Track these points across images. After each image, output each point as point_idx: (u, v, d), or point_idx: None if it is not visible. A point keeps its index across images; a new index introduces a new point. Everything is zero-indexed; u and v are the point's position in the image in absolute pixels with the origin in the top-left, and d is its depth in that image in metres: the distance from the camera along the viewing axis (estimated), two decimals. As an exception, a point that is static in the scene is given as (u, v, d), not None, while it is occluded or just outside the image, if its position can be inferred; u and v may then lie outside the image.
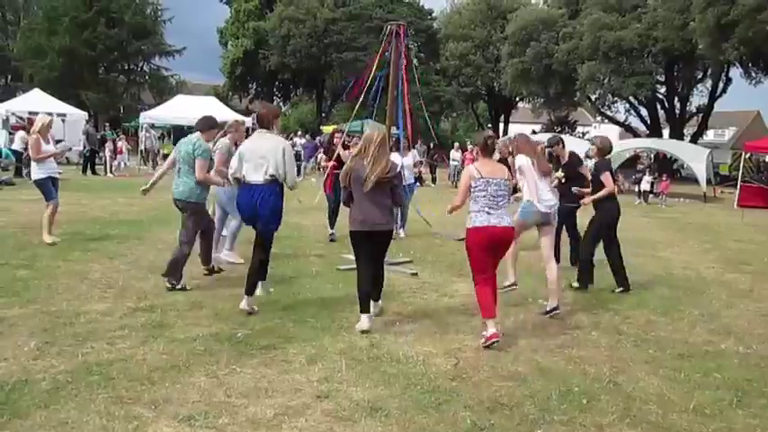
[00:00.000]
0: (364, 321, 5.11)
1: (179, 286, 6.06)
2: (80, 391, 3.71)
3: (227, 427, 3.40)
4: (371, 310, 5.25)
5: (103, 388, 3.77)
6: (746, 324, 5.99)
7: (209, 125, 6.39)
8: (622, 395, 4.09)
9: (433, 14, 44.82)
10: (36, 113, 23.04)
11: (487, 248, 5.03)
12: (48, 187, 8.14)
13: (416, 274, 7.36)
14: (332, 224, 9.48)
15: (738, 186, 20.91)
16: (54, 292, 5.83)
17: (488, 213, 5.00)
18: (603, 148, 7.06)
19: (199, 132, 6.28)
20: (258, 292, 5.65)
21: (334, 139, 10.01)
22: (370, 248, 5.29)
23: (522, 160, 6.12)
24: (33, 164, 8.17)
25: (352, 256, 7.95)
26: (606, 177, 6.81)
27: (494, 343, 4.80)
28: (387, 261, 7.75)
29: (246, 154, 5.41)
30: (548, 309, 5.89)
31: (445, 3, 58.86)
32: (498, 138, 7.56)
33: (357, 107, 9.06)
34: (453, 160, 23.61)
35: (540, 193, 6.06)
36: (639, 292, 7.02)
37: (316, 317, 5.41)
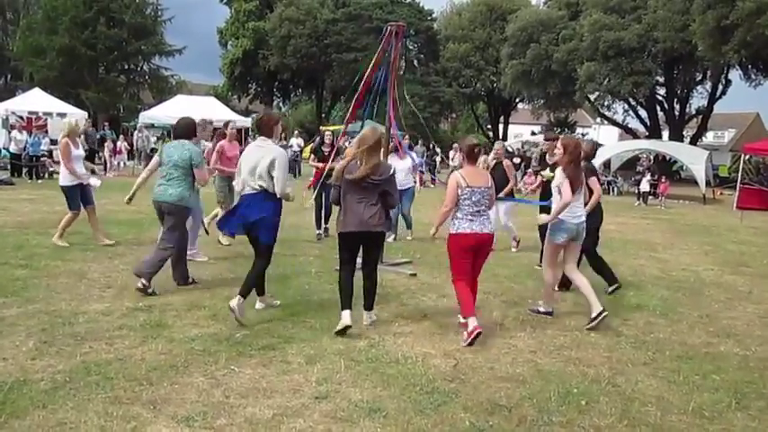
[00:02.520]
0: (345, 317, 5.01)
1: (150, 290, 5.86)
2: (78, 391, 3.70)
3: (225, 427, 3.40)
4: (366, 319, 5.30)
5: (102, 388, 3.76)
6: (745, 326, 5.99)
7: (193, 130, 6.49)
8: (621, 397, 4.09)
9: (433, 15, 44.83)
10: (36, 113, 23.16)
11: (468, 253, 5.25)
12: (74, 195, 7.95)
13: (415, 274, 7.36)
14: (318, 225, 9.76)
15: (738, 188, 20.93)
16: (53, 291, 5.83)
17: (471, 220, 5.21)
18: (586, 152, 6.75)
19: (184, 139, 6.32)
20: (258, 305, 5.58)
21: (325, 140, 10.05)
22: (362, 251, 5.26)
23: (561, 176, 5.65)
24: (62, 169, 8.02)
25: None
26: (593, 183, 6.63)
27: (477, 336, 4.90)
28: (385, 261, 7.80)
29: (243, 163, 5.39)
30: (593, 315, 5.57)
31: (445, 4, 58.87)
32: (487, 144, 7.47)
33: (361, 107, 9.02)
34: (452, 161, 23.62)
35: (572, 207, 5.67)
36: (638, 293, 7.02)
37: (314, 317, 5.41)
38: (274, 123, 5.49)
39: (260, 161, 5.23)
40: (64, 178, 8.01)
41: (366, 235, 5.14)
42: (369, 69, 7.88)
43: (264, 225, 5.26)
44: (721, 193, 23.64)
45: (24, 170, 17.90)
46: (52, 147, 20.75)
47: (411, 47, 41.03)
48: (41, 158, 18.47)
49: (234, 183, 5.66)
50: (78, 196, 7.98)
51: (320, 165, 9.37)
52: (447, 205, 5.30)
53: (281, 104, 52.81)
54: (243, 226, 5.32)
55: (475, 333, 4.90)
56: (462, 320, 5.16)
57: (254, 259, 5.44)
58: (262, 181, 5.21)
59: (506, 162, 9.63)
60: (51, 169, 18.19)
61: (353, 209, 5.09)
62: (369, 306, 5.36)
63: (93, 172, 8.69)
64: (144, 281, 5.86)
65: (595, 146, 7.28)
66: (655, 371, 4.61)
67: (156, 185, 6.21)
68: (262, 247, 5.39)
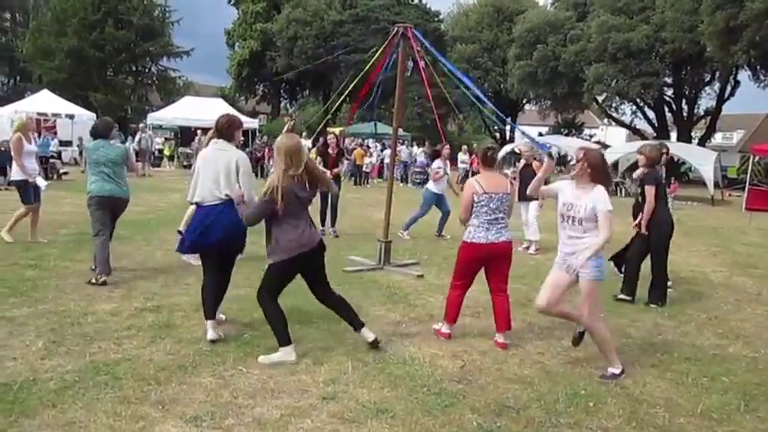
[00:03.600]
0: (291, 352, 4.43)
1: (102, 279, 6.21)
2: (87, 391, 3.73)
3: (233, 427, 3.41)
4: (370, 337, 4.67)
5: (110, 388, 3.79)
6: (754, 328, 5.96)
7: (111, 129, 6.72)
8: (629, 398, 4.08)
9: (441, 16, 44.83)
10: (45, 114, 23.31)
11: (477, 264, 5.08)
12: (28, 190, 8.08)
13: (422, 276, 7.35)
14: (322, 223, 9.99)
15: (746, 189, 20.82)
16: (62, 291, 5.86)
17: (487, 229, 4.95)
18: (652, 158, 6.59)
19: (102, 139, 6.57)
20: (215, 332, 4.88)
21: (329, 142, 10.20)
22: (312, 273, 4.61)
23: (602, 195, 4.38)
24: (14, 165, 8.15)
25: (359, 258, 8.03)
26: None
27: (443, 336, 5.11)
28: (393, 262, 7.80)
29: (204, 170, 4.81)
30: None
31: (452, 5, 58.92)
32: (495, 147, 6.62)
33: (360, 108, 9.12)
34: (462, 163, 23.60)
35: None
36: (646, 295, 6.98)
37: (322, 318, 5.41)
38: (237, 127, 5.04)
39: (226, 167, 4.75)
40: (16, 173, 8.15)
41: (315, 253, 4.50)
42: (369, 68, 7.93)
43: (240, 236, 4.83)
44: (730, 195, 23.51)
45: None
46: (61, 148, 20.94)
47: (418, 48, 41.08)
48: (50, 159, 18.59)
49: (190, 193, 4.89)
50: (32, 191, 8.11)
51: (328, 172, 9.76)
52: (462, 216, 5.08)
53: (287, 105, 52.97)
54: (220, 242, 4.70)
55: (441, 336, 5.13)
56: (437, 326, 5.25)
57: (210, 277, 4.85)
58: (228, 189, 4.73)
59: (536, 163, 9.51)
60: (62, 171, 18.33)
61: (295, 229, 4.37)
62: (360, 323, 4.73)
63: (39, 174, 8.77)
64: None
65: (661, 150, 6.78)
66: (663, 372, 4.59)
67: (106, 183, 6.37)
68: (232, 260, 4.99)
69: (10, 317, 5.02)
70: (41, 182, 8.18)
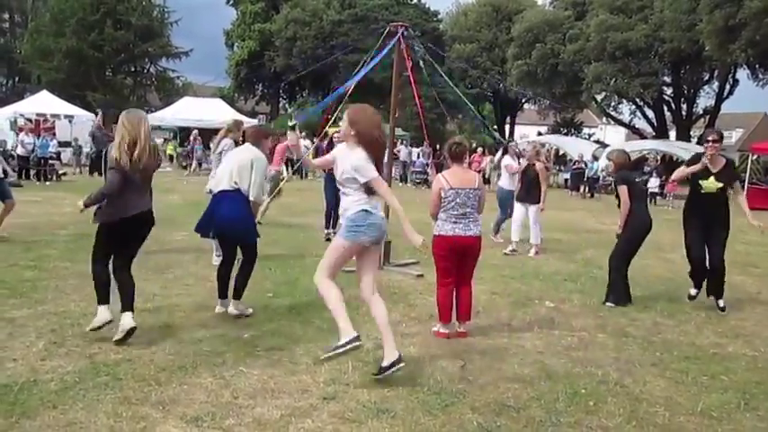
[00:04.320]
0: (104, 313, 4.60)
1: None
2: (88, 392, 3.72)
3: (233, 427, 3.41)
4: (127, 324, 4.54)
5: (111, 388, 3.79)
6: (754, 326, 5.97)
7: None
8: (629, 397, 4.09)
9: (439, 16, 44.87)
10: (43, 115, 23.29)
11: (451, 256, 5.11)
12: None
13: (422, 275, 7.35)
14: (327, 224, 9.80)
15: (745, 188, 20.84)
16: (62, 292, 5.86)
17: (454, 223, 5.04)
18: (620, 163, 6.76)
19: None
20: (224, 308, 5.46)
21: (334, 140, 10.25)
22: (132, 240, 4.76)
23: (356, 160, 3.98)
24: None
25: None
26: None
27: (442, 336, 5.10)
28: (392, 262, 7.81)
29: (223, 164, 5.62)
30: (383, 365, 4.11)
31: (451, 4, 58.98)
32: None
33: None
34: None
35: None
36: (646, 294, 7.01)
37: (322, 318, 5.41)
38: (263, 137, 5.83)
39: (242, 161, 5.40)
40: None
41: (138, 221, 4.62)
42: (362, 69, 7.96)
43: (239, 223, 5.31)
44: (729, 194, 23.54)
45: (32, 172, 18.02)
46: (60, 149, 20.93)
47: (417, 48, 41.10)
48: (49, 160, 18.61)
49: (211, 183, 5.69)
50: None
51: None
52: (430, 210, 5.16)
53: (287, 105, 53.00)
54: (219, 226, 5.36)
55: (439, 336, 5.11)
56: (435, 327, 5.22)
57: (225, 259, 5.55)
58: (238, 178, 5.28)
59: (539, 165, 9.33)
60: (61, 172, 18.34)
61: (131, 194, 4.53)
62: (128, 307, 4.64)
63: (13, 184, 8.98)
64: None
65: (626, 156, 6.98)
66: (663, 371, 4.60)
67: None
68: (234, 248, 5.51)
69: (10, 318, 5.02)
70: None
